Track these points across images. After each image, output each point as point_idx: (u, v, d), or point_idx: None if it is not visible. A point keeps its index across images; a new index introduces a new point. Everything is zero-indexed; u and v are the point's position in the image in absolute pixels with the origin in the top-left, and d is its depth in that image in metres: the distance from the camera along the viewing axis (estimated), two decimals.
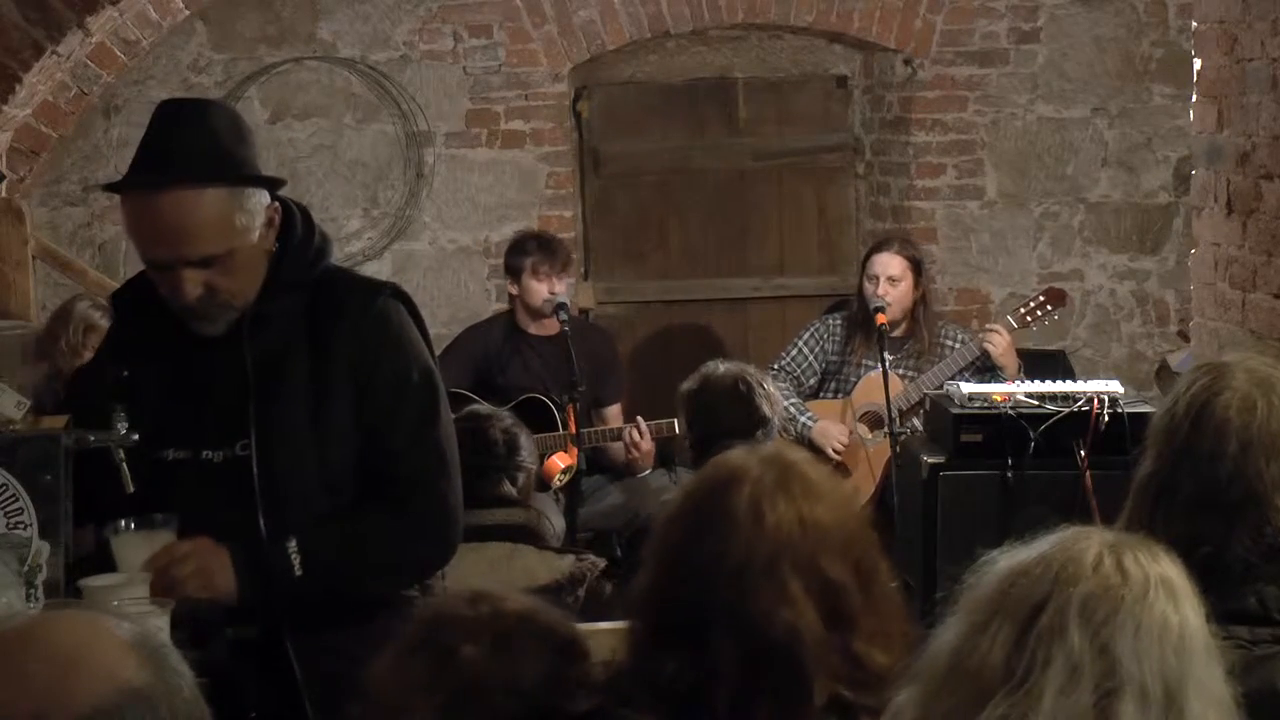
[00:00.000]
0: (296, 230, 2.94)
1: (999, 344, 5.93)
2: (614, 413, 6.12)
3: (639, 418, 5.80)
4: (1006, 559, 1.78)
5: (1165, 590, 1.73)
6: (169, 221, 2.76)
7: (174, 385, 2.90)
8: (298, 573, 2.79)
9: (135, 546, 2.73)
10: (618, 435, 5.86)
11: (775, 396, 4.48)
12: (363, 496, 2.91)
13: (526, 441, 4.26)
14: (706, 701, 1.97)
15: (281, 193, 2.97)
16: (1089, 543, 1.76)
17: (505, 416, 4.33)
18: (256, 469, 2.84)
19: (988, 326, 6.11)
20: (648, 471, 5.90)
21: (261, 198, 2.86)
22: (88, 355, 5.44)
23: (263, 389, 2.87)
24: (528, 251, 5.96)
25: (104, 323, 5.52)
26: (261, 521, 2.84)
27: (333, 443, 2.88)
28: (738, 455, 2.09)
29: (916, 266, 6.05)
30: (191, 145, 2.79)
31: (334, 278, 3.00)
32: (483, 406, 4.59)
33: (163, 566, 2.70)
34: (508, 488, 4.15)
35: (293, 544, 2.80)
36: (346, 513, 2.90)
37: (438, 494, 2.93)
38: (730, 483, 2.04)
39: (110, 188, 2.93)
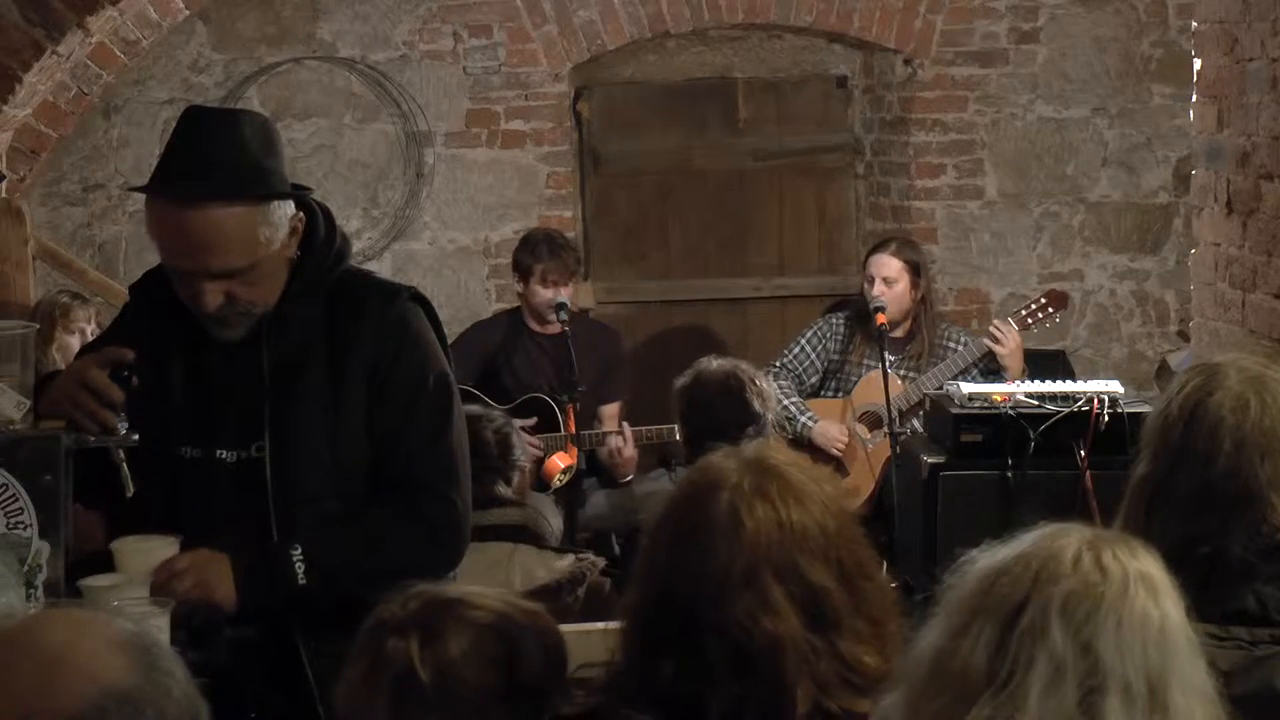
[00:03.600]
0: (319, 235, 2.95)
1: (1007, 343, 5.93)
2: (611, 412, 6.11)
3: (624, 424, 5.82)
4: (986, 559, 1.78)
5: (1145, 585, 1.74)
6: (194, 236, 2.77)
7: (191, 383, 2.91)
8: (301, 580, 2.80)
9: (136, 557, 2.73)
10: (603, 440, 5.86)
11: (768, 393, 4.47)
12: (373, 499, 2.91)
13: (517, 440, 4.26)
14: (701, 707, 1.98)
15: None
16: (1067, 541, 1.76)
17: (496, 416, 4.33)
18: (270, 472, 2.85)
19: (994, 324, 6.10)
20: (629, 478, 5.90)
21: (287, 209, 2.88)
22: (73, 336, 5.46)
23: (278, 392, 2.88)
24: (539, 258, 5.95)
25: (70, 300, 5.56)
26: (274, 523, 2.85)
27: (346, 446, 2.89)
28: (717, 460, 2.08)
29: (914, 269, 6.05)
30: (221, 159, 2.80)
31: (353, 280, 3.01)
32: (473, 407, 4.58)
33: (161, 582, 2.71)
34: (502, 488, 4.14)
35: (298, 551, 2.80)
36: (354, 515, 2.90)
37: (447, 500, 2.94)
38: (709, 490, 2.04)
39: (137, 190, 2.93)
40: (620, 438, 5.80)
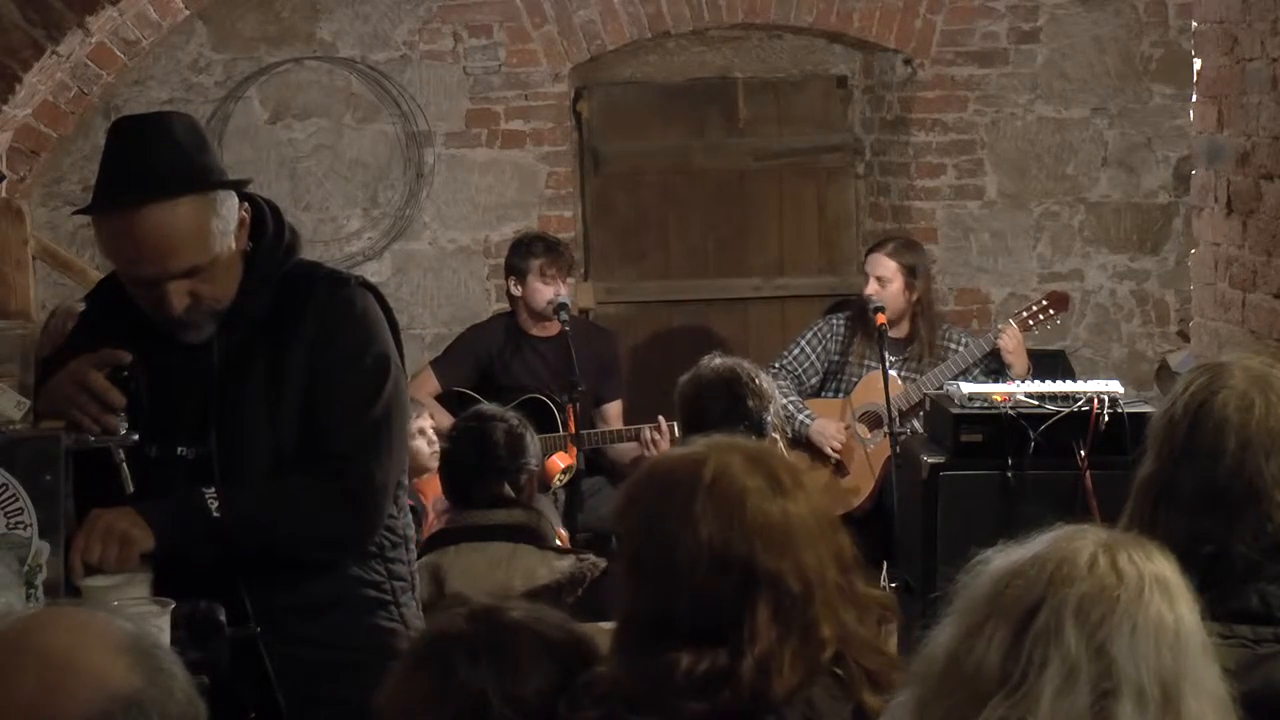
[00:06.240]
0: (268, 228, 2.97)
1: (1008, 342, 5.94)
2: (614, 411, 6.13)
3: (660, 418, 5.79)
4: (1001, 559, 1.78)
5: (1160, 589, 1.73)
6: (150, 238, 2.78)
7: (152, 383, 2.91)
8: (215, 514, 2.81)
9: (105, 595, 2.71)
10: (633, 435, 5.84)
11: (767, 392, 4.46)
12: (297, 467, 2.92)
13: (531, 442, 4.25)
14: (729, 679, 2.03)
15: (270, 194, 3.00)
16: (1083, 542, 1.76)
17: (510, 417, 4.31)
18: (218, 466, 2.87)
19: (998, 326, 6.12)
20: None
21: (232, 200, 2.89)
22: None
23: (226, 387, 2.90)
24: (535, 254, 5.97)
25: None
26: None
27: (290, 434, 2.91)
28: (699, 453, 2.20)
29: (909, 271, 6.06)
30: (158, 160, 2.81)
31: (302, 270, 3.03)
32: (488, 407, 4.58)
33: (81, 558, 2.71)
34: (506, 489, 4.14)
35: (210, 491, 2.82)
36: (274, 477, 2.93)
37: (364, 471, 2.92)
38: (694, 472, 2.15)
39: (83, 211, 2.93)
40: (657, 431, 5.77)
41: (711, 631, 2.07)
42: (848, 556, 2.19)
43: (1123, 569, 1.73)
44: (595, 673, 2.17)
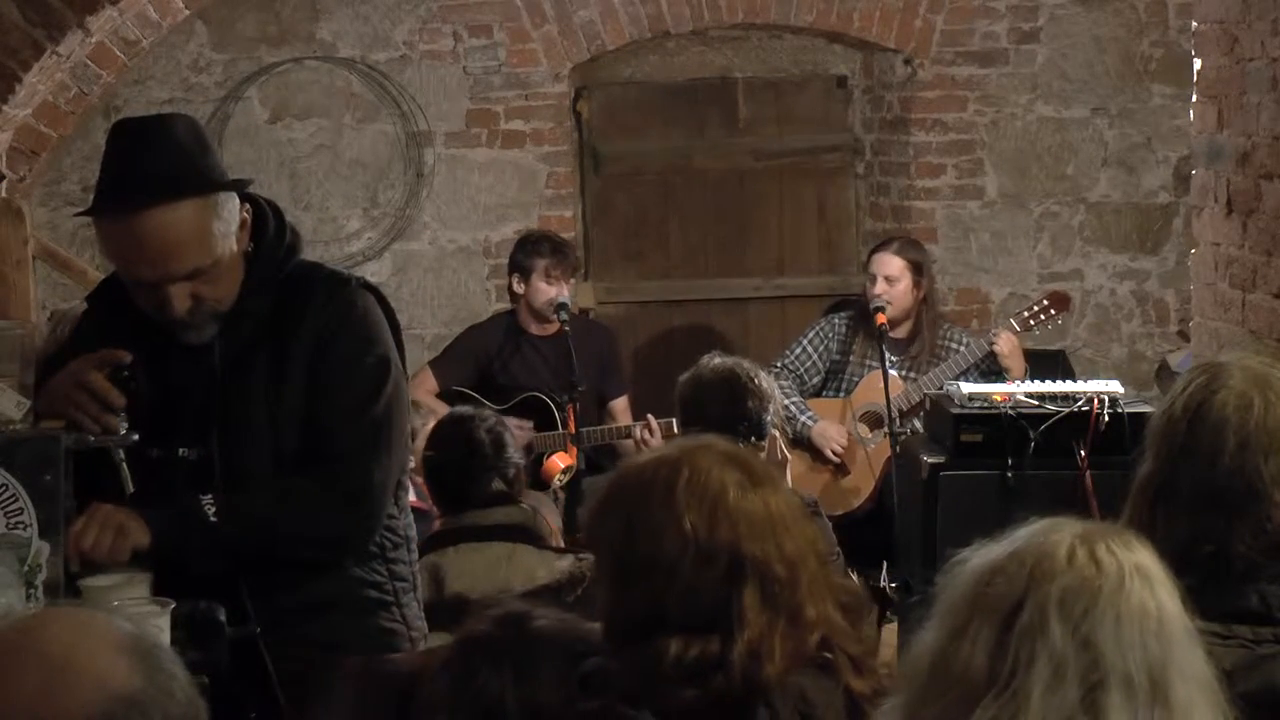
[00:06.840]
0: (269, 229, 2.97)
1: (1005, 346, 5.94)
2: (621, 406, 6.13)
3: (649, 416, 5.79)
4: (979, 558, 1.77)
5: (1141, 577, 1.73)
6: (151, 243, 2.79)
7: (153, 384, 2.91)
8: (212, 519, 2.82)
9: (105, 594, 2.72)
10: (626, 433, 5.85)
11: (767, 392, 4.46)
12: (297, 468, 2.93)
13: (510, 439, 4.27)
14: (720, 664, 2.08)
15: (270, 194, 3.00)
16: (1060, 535, 1.76)
17: (488, 416, 4.34)
18: (219, 467, 2.89)
19: (994, 330, 6.12)
20: None
21: (233, 202, 2.89)
22: None
23: (229, 388, 2.91)
24: (541, 254, 5.97)
25: None
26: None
27: (291, 435, 2.91)
28: (671, 454, 2.27)
29: (916, 268, 6.06)
30: (159, 162, 2.82)
31: (304, 271, 3.03)
32: (461, 409, 4.59)
33: (75, 548, 2.72)
34: (499, 485, 4.15)
35: (207, 498, 2.83)
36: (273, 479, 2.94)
37: (364, 471, 2.93)
38: (671, 471, 2.22)
39: (84, 213, 2.94)
40: (647, 429, 5.78)
41: (702, 621, 2.11)
42: (822, 548, 2.27)
43: (1102, 560, 1.73)
44: (590, 664, 2.18)
